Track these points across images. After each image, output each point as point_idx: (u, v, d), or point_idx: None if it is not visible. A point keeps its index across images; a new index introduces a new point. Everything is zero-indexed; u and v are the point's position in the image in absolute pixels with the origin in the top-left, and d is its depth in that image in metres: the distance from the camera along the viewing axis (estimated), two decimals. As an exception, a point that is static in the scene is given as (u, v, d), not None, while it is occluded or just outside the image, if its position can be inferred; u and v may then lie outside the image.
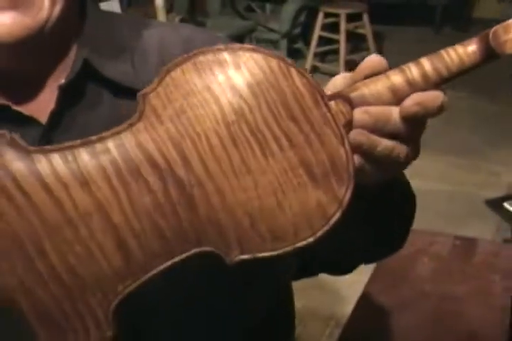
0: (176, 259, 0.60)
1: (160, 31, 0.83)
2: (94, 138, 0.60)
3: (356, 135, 0.60)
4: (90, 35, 0.77)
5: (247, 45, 0.61)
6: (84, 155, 0.59)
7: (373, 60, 0.62)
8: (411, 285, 1.62)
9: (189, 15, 4.79)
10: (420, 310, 1.52)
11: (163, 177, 0.60)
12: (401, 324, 1.48)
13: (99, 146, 0.60)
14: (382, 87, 0.61)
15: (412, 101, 0.60)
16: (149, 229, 0.60)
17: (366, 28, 4.96)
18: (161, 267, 0.60)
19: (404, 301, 1.55)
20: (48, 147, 0.60)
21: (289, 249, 0.60)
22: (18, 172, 0.59)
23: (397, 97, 0.61)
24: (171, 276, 0.61)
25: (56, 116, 0.74)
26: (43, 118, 0.75)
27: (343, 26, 4.87)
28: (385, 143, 0.61)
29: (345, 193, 0.59)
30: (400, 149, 0.62)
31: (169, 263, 0.60)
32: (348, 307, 1.56)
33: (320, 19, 4.98)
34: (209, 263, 0.61)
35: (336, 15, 4.92)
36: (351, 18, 4.91)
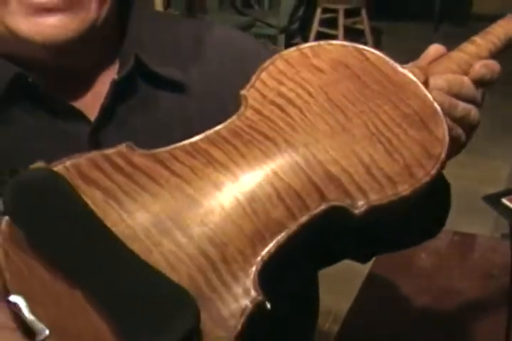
0: (311, 214, 0.63)
1: (195, 29, 0.85)
2: (210, 131, 0.67)
3: (436, 95, 0.66)
4: (135, 32, 0.79)
5: (321, 41, 0.71)
6: (202, 145, 0.66)
7: (437, 48, 0.71)
8: (409, 280, 1.62)
9: (187, 11, 4.78)
10: (419, 305, 1.52)
11: (276, 142, 0.66)
12: (399, 319, 1.48)
13: (213, 135, 0.67)
14: (449, 63, 0.70)
15: (480, 65, 0.69)
16: (272, 193, 0.64)
17: (364, 23, 4.95)
18: (293, 225, 0.63)
19: (403, 297, 1.56)
20: (171, 147, 0.66)
21: (408, 191, 0.63)
22: (145, 167, 0.64)
23: (462, 69, 0.70)
24: None
25: (106, 111, 0.75)
26: (92, 114, 0.76)
27: (341, 21, 4.87)
28: (463, 105, 0.68)
29: (443, 133, 0.65)
30: (475, 112, 0.69)
31: (303, 219, 0.63)
32: (347, 303, 1.57)
33: (318, 14, 4.98)
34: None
35: (334, 11, 4.91)
36: (349, 13, 4.91)
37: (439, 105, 0.66)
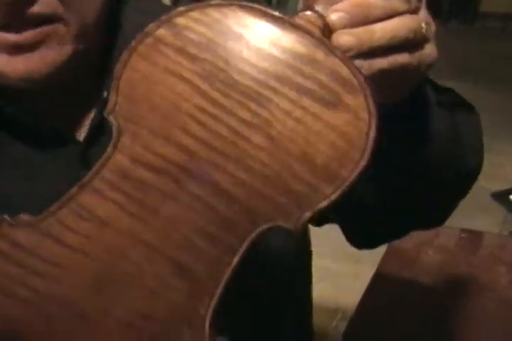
0: (241, 252, 0.54)
1: None
2: (86, 177, 0.55)
3: (340, 37, 0.51)
4: (125, 41, 0.76)
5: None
6: (87, 199, 0.55)
7: None
8: (416, 277, 1.62)
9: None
10: (426, 302, 1.52)
11: (175, 178, 0.53)
12: (407, 317, 1.48)
13: (97, 182, 0.55)
14: None
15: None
16: (193, 236, 0.54)
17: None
18: (229, 270, 0.54)
19: (410, 294, 1.56)
20: (52, 208, 0.56)
21: (346, 184, 0.50)
22: (36, 247, 0.56)
23: None
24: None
25: (96, 128, 0.74)
26: (80, 132, 0.75)
27: (349, 19, 4.85)
28: (381, 61, 0.52)
29: (366, 100, 0.50)
30: (406, 58, 0.53)
31: (235, 260, 0.54)
32: (354, 300, 1.56)
33: (326, 12, 4.97)
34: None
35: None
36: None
37: (348, 48, 0.51)
